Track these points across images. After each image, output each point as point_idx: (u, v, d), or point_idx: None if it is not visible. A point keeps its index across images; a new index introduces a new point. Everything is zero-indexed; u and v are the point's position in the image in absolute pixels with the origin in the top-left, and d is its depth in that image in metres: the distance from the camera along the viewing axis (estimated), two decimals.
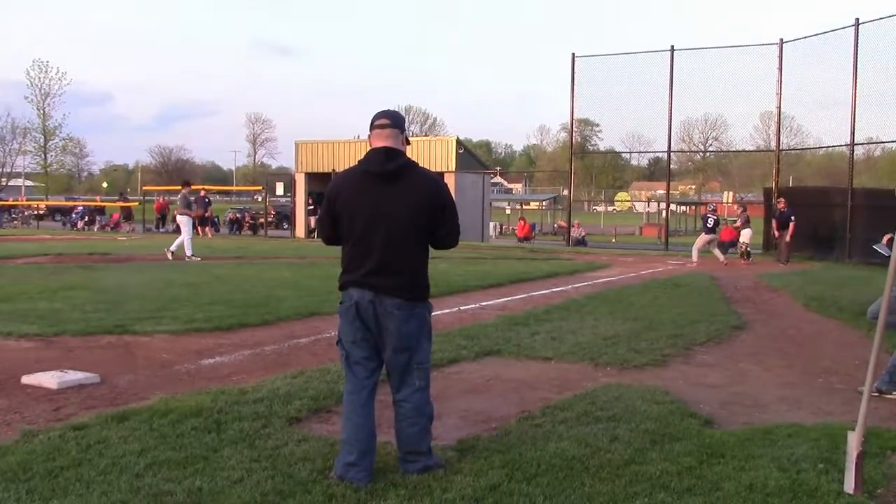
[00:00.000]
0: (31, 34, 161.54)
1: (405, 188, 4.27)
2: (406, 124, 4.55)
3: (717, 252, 21.98)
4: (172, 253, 19.33)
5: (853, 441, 4.10)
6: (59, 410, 5.62)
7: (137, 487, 3.99)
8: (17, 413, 5.56)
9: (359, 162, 4.40)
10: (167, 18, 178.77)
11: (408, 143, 4.46)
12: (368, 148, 4.39)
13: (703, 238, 22.03)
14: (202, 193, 37.62)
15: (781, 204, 22.28)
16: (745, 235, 22.74)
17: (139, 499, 3.86)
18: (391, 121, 4.38)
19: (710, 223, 21.93)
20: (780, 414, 5.90)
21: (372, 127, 4.38)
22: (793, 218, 21.47)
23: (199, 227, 35.39)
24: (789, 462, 4.52)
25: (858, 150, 23.03)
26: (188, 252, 19.48)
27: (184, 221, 20.01)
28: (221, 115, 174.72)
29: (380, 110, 4.46)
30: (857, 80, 22.00)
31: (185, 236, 19.75)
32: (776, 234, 22.06)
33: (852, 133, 22.46)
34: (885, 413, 5.93)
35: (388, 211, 4.23)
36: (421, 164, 4.47)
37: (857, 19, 22.03)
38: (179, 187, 21.84)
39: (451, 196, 4.47)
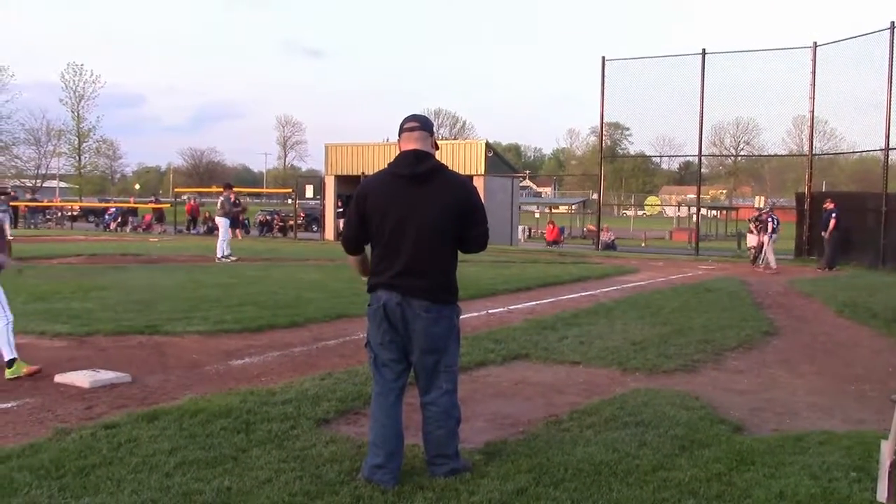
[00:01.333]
0: (67, 37, 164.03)
1: (434, 191, 4.29)
2: (435, 128, 4.57)
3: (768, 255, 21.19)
4: (222, 257, 19.61)
5: (886, 450, 4.05)
6: (91, 409, 5.70)
7: (167, 486, 4.03)
8: (49, 411, 5.64)
9: (388, 164, 4.41)
10: (199, 20, 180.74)
11: (436, 147, 4.47)
12: (397, 151, 4.41)
13: (769, 240, 21.25)
14: (232, 198, 38.08)
15: (828, 204, 21.96)
16: (752, 240, 22.33)
17: (169, 497, 3.89)
18: (420, 123, 4.40)
19: (776, 223, 21.28)
20: (812, 421, 5.83)
21: (401, 130, 4.41)
22: (834, 215, 21.14)
23: (230, 229, 35.81)
24: (821, 470, 4.46)
25: (893, 155, 22.64)
26: (225, 252, 19.72)
27: (222, 223, 20.18)
28: (252, 117, 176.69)
29: (409, 114, 4.48)
30: (893, 84, 21.71)
31: (222, 237, 19.96)
32: (823, 234, 21.74)
33: (887, 137, 22.14)
34: None
35: (417, 213, 4.24)
36: (450, 168, 4.48)
37: (893, 22, 21.74)
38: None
39: (480, 199, 4.47)
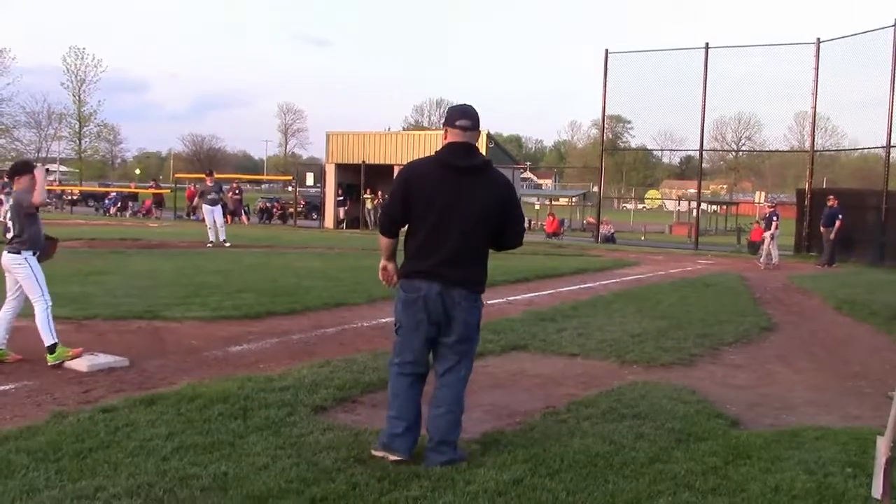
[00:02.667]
0: (71, 20, 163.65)
1: (481, 185, 4.40)
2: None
3: (773, 251, 21.15)
4: (216, 242, 19.59)
5: (882, 446, 4.05)
6: (89, 393, 5.71)
7: (164, 470, 4.04)
8: (47, 394, 5.65)
9: (436, 153, 4.47)
10: (205, 7, 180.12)
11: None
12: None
13: (769, 236, 21.22)
14: (234, 185, 38.02)
15: (831, 201, 21.93)
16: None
17: (165, 482, 3.90)
18: (472, 122, 4.44)
19: (777, 220, 21.22)
20: (808, 417, 5.84)
21: (452, 124, 4.44)
22: (840, 216, 21.13)
23: (228, 215, 35.80)
24: (816, 465, 4.47)
25: (894, 153, 22.63)
26: (212, 238, 19.74)
27: (206, 210, 20.18)
28: (254, 104, 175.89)
29: (458, 107, 4.54)
30: (895, 81, 21.68)
31: (208, 224, 20.01)
32: (822, 230, 21.73)
33: (889, 135, 22.14)
34: None
35: (465, 204, 4.34)
36: None
37: None
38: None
39: (518, 198, 4.63)
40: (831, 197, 22.51)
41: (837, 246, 21.57)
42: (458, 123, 4.41)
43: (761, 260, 20.85)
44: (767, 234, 20.90)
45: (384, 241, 4.59)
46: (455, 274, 4.35)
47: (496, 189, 4.46)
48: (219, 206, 20.24)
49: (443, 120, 4.60)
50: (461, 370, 4.50)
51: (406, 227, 4.50)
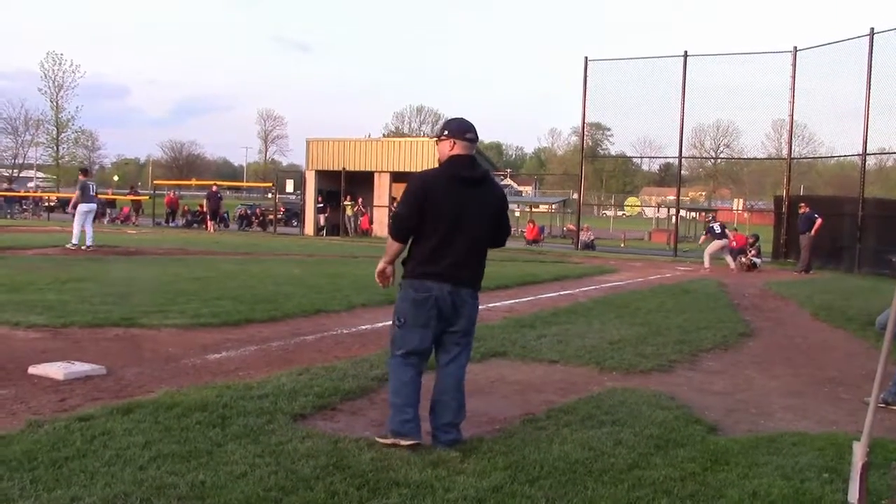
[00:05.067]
0: (50, 25, 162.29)
1: (484, 194, 4.93)
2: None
3: (728, 259, 21.87)
4: (73, 244, 19.01)
5: (858, 451, 4.08)
6: (65, 401, 5.65)
7: (141, 479, 4.00)
8: (22, 403, 5.58)
9: (442, 166, 4.91)
10: (186, 11, 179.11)
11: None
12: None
13: (716, 244, 21.87)
14: (213, 189, 37.83)
15: (802, 208, 22.18)
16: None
17: (142, 491, 3.86)
18: (476, 137, 4.94)
19: (718, 229, 21.84)
20: (786, 422, 5.88)
21: (461, 137, 4.87)
22: (817, 215, 21.36)
23: (208, 222, 35.62)
24: (793, 471, 4.50)
25: (870, 160, 23.03)
26: (74, 241, 19.15)
27: (78, 210, 19.33)
28: (234, 110, 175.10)
29: (459, 120, 4.98)
30: (871, 90, 21.93)
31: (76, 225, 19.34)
32: (800, 236, 22.02)
33: (864, 143, 22.39)
34: (890, 424, 5.90)
35: (473, 212, 4.83)
36: (431, 165, 5.01)
37: (872, 29, 21.98)
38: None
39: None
40: (802, 204, 22.76)
41: (814, 252, 21.79)
42: (467, 136, 4.88)
43: (733, 266, 21.26)
44: (722, 242, 21.56)
45: (395, 246, 4.95)
46: (464, 275, 4.85)
47: (496, 198, 5.03)
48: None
49: (444, 131, 4.95)
50: (462, 359, 4.99)
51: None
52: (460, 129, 4.90)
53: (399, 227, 4.91)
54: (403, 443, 4.62)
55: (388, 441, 4.65)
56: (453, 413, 4.89)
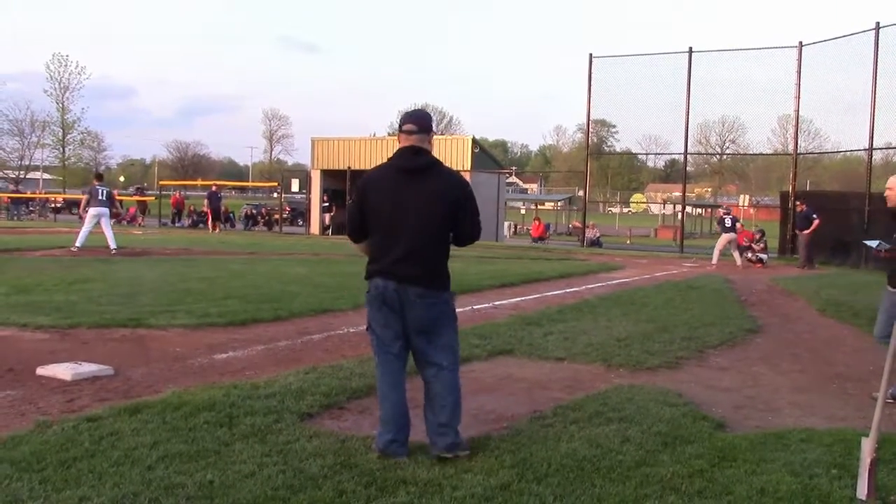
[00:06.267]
0: (57, 27, 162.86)
1: (430, 183, 4.58)
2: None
3: (735, 254, 21.79)
4: (111, 249, 18.78)
5: (867, 447, 4.08)
6: (73, 402, 5.66)
7: (149, 479, 4.01)
8: (31, 404, 5.60)
9: (388, 159, 4.70)
10: (194, 12, 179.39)
11: (430, 145, 4.76)
12: (394, 146, 4.71)
13: (724, 238, 21.82)
14: (213, 189, 37.87)
15: (800, 206, 22.16)
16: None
17: (150, 491, 3.87)
18: (417, 126, 4.64)
19: (729, 223, 21.74)
20: (794, 418, 5.86)
21: (400, 129, 4.68)
22: (815, 216, 21.32)
23: (210, 223, 35.65)
24: (802, 467, 4.49)
25: (877, 155, 22.93)
26: (78, 244, 18.95)
27: (88, 214, 19.18)
28: (240, 110, 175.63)
29: (408, 112, 4.78)
30: (877, 84, 21.85)
31: (85, 228, 19.17)
32: (798, 234, 21.98)
33: (871, 137, 22.31)
34: None
35: (414, 204, 4.52)
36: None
37: (878, 23, 21.89)
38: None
39: (473, 193, 4.73)
40: (799, 202, 22.72)
41: (815, 247, 21.77)
42: (404, 128, 4.63)
43: (739, 262, 21.23)
44: (730, 236, 21.47)
45: (356, 247, 4.86)
46: (409, 271, 4.50)
47: (444, 187, 4.61)
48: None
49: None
50: (441, 362, 4.62)
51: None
52: (401, 121, 4.69)
53: (349, 230, 4.84)
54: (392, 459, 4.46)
55: (378, 454, 4.52)
56: (447, 414, 4.59)
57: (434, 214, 4.53)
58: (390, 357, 4.64)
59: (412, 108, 4.79)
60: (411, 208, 4.51)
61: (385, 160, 4.75)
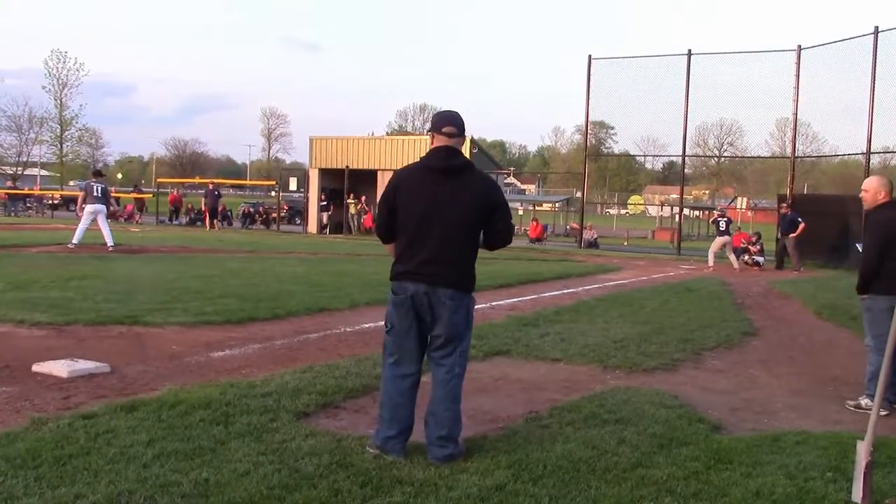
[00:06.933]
0: (58, 23, 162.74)
1: (463, 185, 4.54)
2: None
3: (731, 257, 21.84)
4: (108, 246, 18.77)
5: (862, 450, 4.08)
6: (69, 399, 5.65)
7: (144, 477, 4.01)
8: (27, 400, 5.59)
9: (420, 159, 4.66)
10: (196, 10, 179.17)
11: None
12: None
13: (718, 241, 21.90)
14: (210, 187, 37.85)
15: (784, 209, 22.22)
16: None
17: (146, 489, 3.87)
18: (457, 129, 4.60)
19: (723, 225, 21.81)
20: (789, 421, 5.87)
21: (438, 131, 4.59)
22: (800, 220, 21.36)
23: (207, 220, 35.63)
24: (797, 469, 4.50)
25: (874, 159, 22.87)
26: (74, 240, 18.80)
27: (85, 211, 18.98)
28: (238, 109, 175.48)
29: (445, 114, 4.70)
30: (875, 88, 21.86)
31: (81, 225, 19.00)
32: (782, 237, 22.03)
33: (868, 141, 22.32)
34: (894, 423, 5.90)
35: (446, 204, 4.48)
36: None
37: (877, 27, 21.91)
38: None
39: (504, 197, 4.73)
40: (784, 205, 22.77)
41: (814, 250, 21.83)
42: (444, 130, 4.56)
43: (736, 265, 21.28)
44: (724, 239, 21.48)
45: (387, 247, 4.79)
46: (439, 272, 4.47)
47: (478, 189, 4.56)
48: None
49: (428, 126, 4.74)
50: (454, 368, 4.60)
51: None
52: (439, 122, 4.60)
53: (378, 230, 4.79)
54: (388, 457, 4.45)
55: (374, 450, 4.50)
56: (448, 426, 4.55)
57: (464, 216, 4.49)
58: (407, 364, 4.60)
59: (445, 109, 4.74)
60: (445, 209, 4.46)
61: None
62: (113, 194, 46.85)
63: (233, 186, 77.81)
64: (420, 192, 4.50)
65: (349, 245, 24.22)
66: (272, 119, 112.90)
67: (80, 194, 19.87)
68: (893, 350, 4.18)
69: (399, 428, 4.53)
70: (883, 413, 5.83)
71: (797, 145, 27.20)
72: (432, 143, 4.60)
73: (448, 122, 4.58)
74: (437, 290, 4.47)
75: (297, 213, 42.05)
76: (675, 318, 10.71)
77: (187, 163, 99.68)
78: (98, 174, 20.65)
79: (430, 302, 4.48)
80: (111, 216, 21.04)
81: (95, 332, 8.19)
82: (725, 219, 22.16)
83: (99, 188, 19.21)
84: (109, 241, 18.81)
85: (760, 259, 22.31)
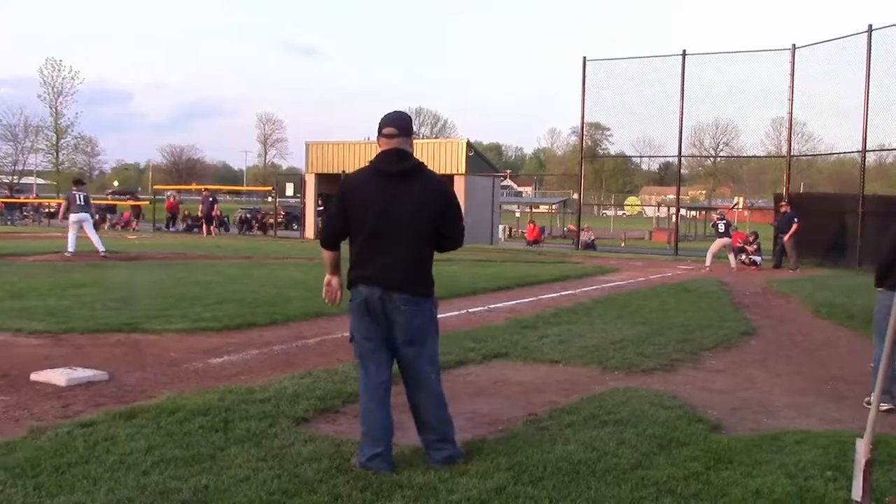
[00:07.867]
0: (53, 31, 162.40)
1: (414, 188, 4.45)
2: (417, 127, 4.68)
3: (730, 257, 21.81)
4: (100, 252, 18.73)
5: (861, 448, 4.08)
6: (68, 407, 5.65)
7: (144, 485, 4.01)
8: (25, 409, 5.58)
9: (370, 162, 4.56)
10: (192, 16, 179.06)
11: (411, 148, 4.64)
12: (377, 150, 4.55)
13: (718, 242, 21.88)
14: (205, 193, 37.85)
15: (784, 207, 22.23)
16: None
17: (146, 496, 3.87)
18: (398, 130, 4.52)
19: (722, 227, 21.82)
20: (789, 420, 5.87)
21: (380, 133, 4.53)
22: (796, 219, 21.39)
23: (204, 227, 35.62)
24: (797, 469, 4.50)
25: (870, 157, 22.87)
26: (70, 249, 18.78)
27: (70, 220, 18.96)
28: (235, 115, 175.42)
29: (387, 115, 4.60)
30: (870, 87, 21.89)
31: (70, 234, 18.96)
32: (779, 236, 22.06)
33: (864, 139, 22.33)
34: (894, 421, 5.90)
35: (398, 209, 4.39)
36: (431, 166, 4.62)
37: (871, 25, 21.92)
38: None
39: (457, 198, 4.65)
40: (783, 203, 22.79)
41: (799, 246, 21.86)
42: (384, 132, 4.51)
43: (733, 264, 21.29)
44: (724, 240, 21.50)
45: (326, 255, 4.71)
46: (393, 278, 4.39)
47: (430, 191, 4.50)
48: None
49: (421, 132, 4.67)
50: (426, 373, 4.53)
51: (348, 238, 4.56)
52: (381, 124, 4.53)
53: (324, 234, 4.70)
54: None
55: (359, 469, 4.35)
56: (438, 429, 4.53)
57: (418, 219, 4.41)
58: (374, 371, 4.50)
59: (391, 112, 4.67)
60: (398, 213, 4.38)
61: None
62: (109, 201, 47.07)
63: (229, 192, 77.76)
64: (373, 198, 4.41)
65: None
66: (268, 124, 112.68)
67: (63, 203, 19.82)
68: (891, 347, 4.18)
69: (381, 441, 4.41)
70: (884, 407, 5.84)
71: (793, 144, 27.25)
72: (380, 145, 4.53)
73: (388, 124, 4.52)
74: (391, 294, 4.38)
75: (295, 218, 42.03)
76: (673, 318, 10.72)
77: (183, 169, 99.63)
78: (79, 182, 20.62)
79: (385, 307, 4.39)
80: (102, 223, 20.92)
81: (93, 340, 8.18)
82: (724, 221, 22.15)
83: (81, 197, 19.21)
84: (100, 247, 18.81)
85: (757, 258, 22.30)
